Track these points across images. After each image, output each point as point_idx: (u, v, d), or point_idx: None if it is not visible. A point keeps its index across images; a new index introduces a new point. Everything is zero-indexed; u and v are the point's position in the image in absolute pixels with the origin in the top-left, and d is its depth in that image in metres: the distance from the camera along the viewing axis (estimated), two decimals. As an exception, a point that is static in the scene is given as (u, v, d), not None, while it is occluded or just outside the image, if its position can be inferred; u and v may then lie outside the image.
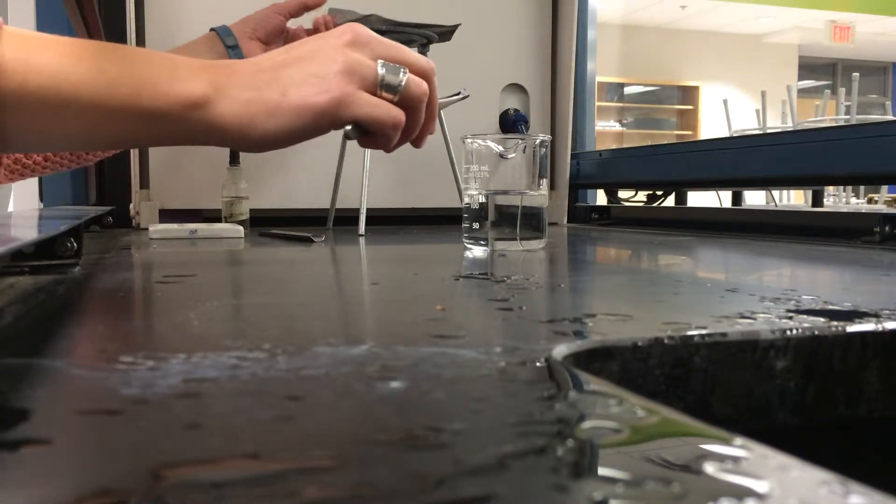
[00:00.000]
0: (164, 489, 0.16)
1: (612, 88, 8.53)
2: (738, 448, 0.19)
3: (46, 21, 1.82)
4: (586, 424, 0.21)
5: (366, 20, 1.23)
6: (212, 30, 0.95)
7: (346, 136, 0.50)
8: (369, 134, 0.50)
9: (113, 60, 0.41)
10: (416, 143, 0.55)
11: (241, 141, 0.45)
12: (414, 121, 0.52)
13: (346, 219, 1.39)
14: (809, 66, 8.90)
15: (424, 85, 0.51)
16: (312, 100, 0.45)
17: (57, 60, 0.39)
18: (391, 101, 0.49)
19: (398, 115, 0.49)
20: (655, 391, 0.31)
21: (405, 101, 0.50)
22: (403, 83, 0.49)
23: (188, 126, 0.43)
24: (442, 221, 1.56)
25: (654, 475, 0.17)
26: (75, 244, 0.62)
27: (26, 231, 0.73)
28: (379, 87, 0.48)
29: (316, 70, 0.46)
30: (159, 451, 0.19)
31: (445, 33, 1.37)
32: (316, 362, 0.28)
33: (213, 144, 0.46)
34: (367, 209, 1.29)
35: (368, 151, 1.27)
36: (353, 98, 0.46)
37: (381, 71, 0.48)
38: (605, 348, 0.31)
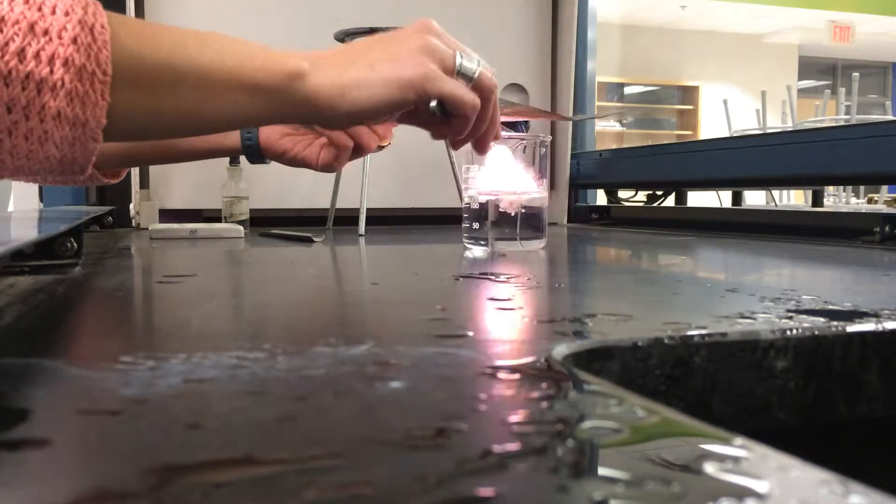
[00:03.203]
0: (164, 489, 0.16)
1: (612, 88, 8.52)
2: (738, 448, 0.19)
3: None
4: (586, 424, 0.21)
5: None
6: None
7: (432, 112, 0.52)
8: (448, 116, 0.52)
9: (215, 41, 0.44)
10: (481, 148, 0.57)
11: (332, 112, 0.46)
12: (482, 115, 0.54)
13: (346, 219, 1.39)
14: (809, 66, 8.89)
15: (494, 80, 0.54)
16: (399, 73, 0.48)
17: (169, 39, 0.41)
18: (468, 86, 0.52)
19: (476, 98, 0.52)
20: (655, 391, 0.31)
21: (478, 89, 0.52)
22: (478, 71, 0.52)
23: (287, 97, 0.45)
24: (442, 221, 1.56)
25: (654, 475, 0.17)
26: (75, 244, 0.62)
27: (26, 231, 0.73)
28: (456, 72, 0.51)
29: (401, 49, 0.49)
30: (159, 451, 0.19)
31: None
32: (316, 362, 0.28)
33: (305, 121, 0.47)
34: (367, 209, 1.29)
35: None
36: (436, 74, 0.49)
37: (458, 57, 0.51)
38: (605, 348, 0.31)
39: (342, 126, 0.49)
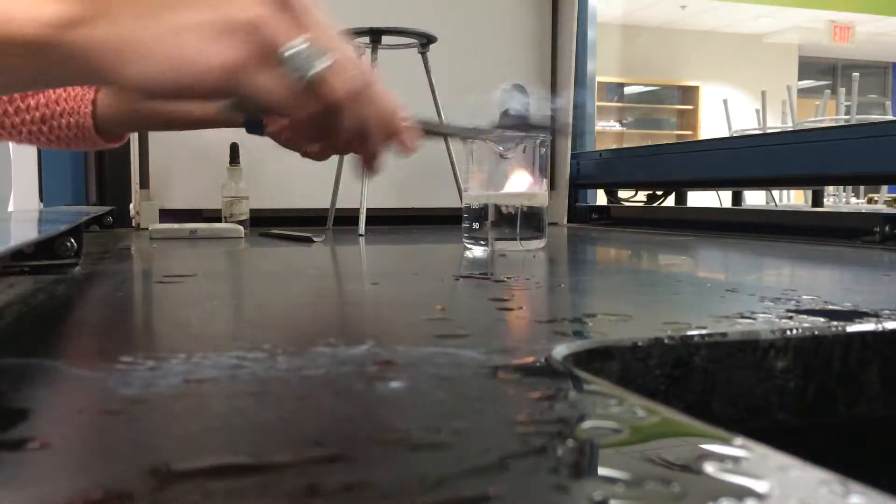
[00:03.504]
0: (164, 489, 0.16)
1: (612, 88, 8.53)
2: (738, 448, 0.19)
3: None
4: (586, 424, 0.21)
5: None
6: None
7: (228, 109, 0.42)
8: (260, 121, 0.41)
9: None
10: (366, 167, 0.46)
11: (115, 79, 0.37)
12: (334, 130, 0.42)
13: (346, 219, 1.39)
14: (809, 66, 8.90)
15: (343, 90, 0.41)
16: (199, 57, 0.37)
17: None
18: (297, 89, 0.39)
19: (301, 107, 0.40)
20: (655, 391, 0.31)
21: (319, 96, 0.40)
22: (317, 70, 0.39)
23: (51, 53, 0.35)
24: (442, 221, 1.56)
25: (654, 475, 0.17)
26: (75, 244, 0.62)
27: (26, 231, 0.73)
28: (282, 64, 0.38)
29: (219, 18, 0.37)
30: (159, 451, 0.19)
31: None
32: (316, 362, 0.28)
33: (89, 82, 0.37)
34: (367, 209, 1.29)
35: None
36: (248, 70, 0.38)
37: (291, 45, 0.38)
38: (605, 348, 0.31)
39: (143, 97, 0.38)
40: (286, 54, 0.38)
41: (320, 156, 0.50)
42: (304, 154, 0.54)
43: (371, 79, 0.43)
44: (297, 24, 0.39)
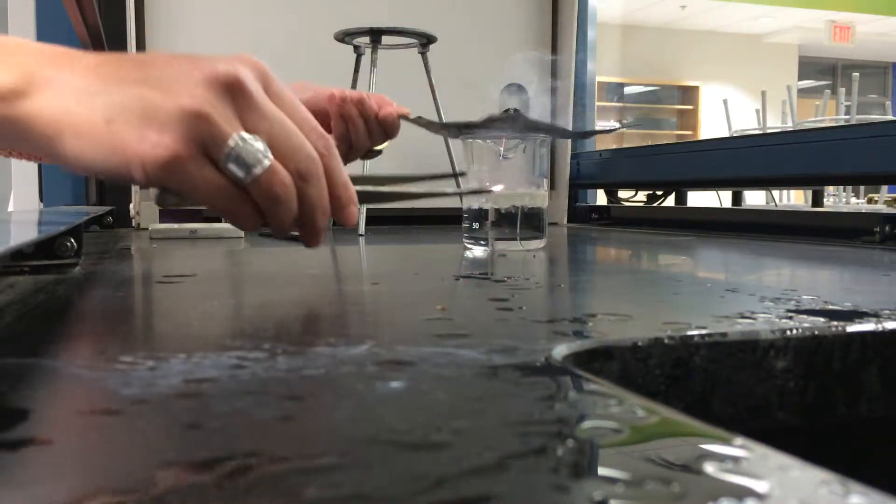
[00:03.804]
0: (164, 489, 0.16)
1: (612, 88, 8.53)
2: (738, 448, 0.19)
3: (46, 21, 1.82)
4: (586, 424, 0.21)
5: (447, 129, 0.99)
6: None
7: (157, 202, 0.42)
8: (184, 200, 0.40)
9: None
10: (308, 242, 0.45)
11: (49, 151, 0.36)
12: (276, 216, 0.41)
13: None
14: (809, 66, 8.90)
15: (288, 188, 0.40)
16: (133, 145, 0.35)
17: None
18: (238, 183, 0.39)
19: (234, 205, 0.39)
20: (655, 391, 0.31)
21: (255, 194, 0.39)
22: (256, 173, 0.38)
23: None
24: (442, 221, 1.56)
25: (654, 475, 0.17)
26: (75, 244, 0.62)
27: (26, 231, 0.73)
28: (224, 160, 0.37)
29: (159, 105, 0.36)
30: (159, 451, 0.19)
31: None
32: (316, 362, 0.28)
33: (21, 149, 0.37)
34: (367, 209, 1.29)
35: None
36: (181, 163, 0.36)
37: (233, 142, 0.37)
38: (605, 348, 0.31)
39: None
40: (224, 153, 0.37)
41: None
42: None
43: (325, 160, 0.42)
44: (244, 113, 0.38)
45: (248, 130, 0.38)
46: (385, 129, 0.95)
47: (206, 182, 0.38)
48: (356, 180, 0.46)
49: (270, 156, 0.39)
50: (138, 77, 0.37)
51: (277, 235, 0.44)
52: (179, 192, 0.39)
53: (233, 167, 0.38)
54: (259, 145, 0.38)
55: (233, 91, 0.38)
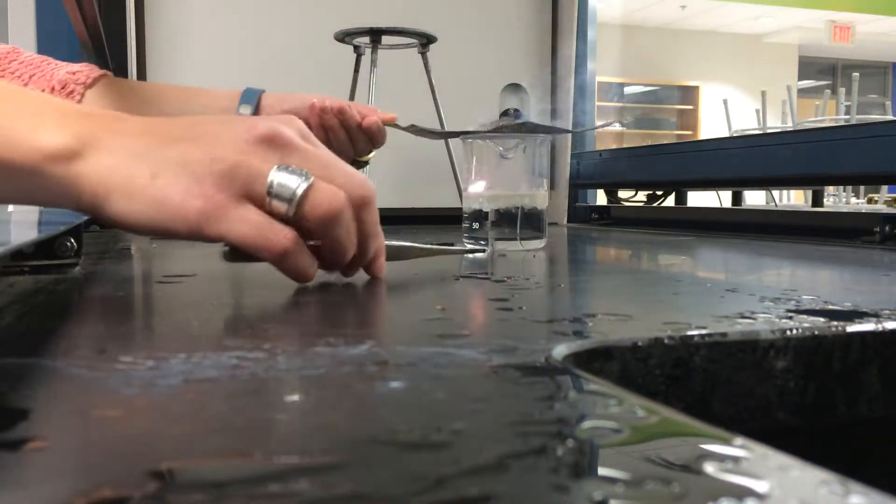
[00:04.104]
0: (164, 489, 0.16)
1: (612, 88, 8.53)
2: (738, 448, 0.19)
3: (46, 21, 1.82)
4: (586, 424, 0.21)
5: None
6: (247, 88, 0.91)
7: (224, 258, 0.43)
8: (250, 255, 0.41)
9: None
10: (368, 270, 0.48)
11: (97, 213, 0.37)
12: (332, 246, 0.43)
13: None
14: (809, 66, 8.90)
15: (339, 198, 0.40)
16: (177, 200, 0.37)
17: None
18: (284, 216, 0.39)
19: (277, 240, 0.39)
20: (655, 391, 0.31)
21: (306, 218, 0.40)
22: (300, 193, 0.39)
23: (43, 182, 0.36)
24: (442, 221, 1.56)
25: (654, 475, 0.17)
26: (75, 244, 0.62)
27: (26, 231, 0.73)
28: (268, 195, 0.39)
29: (199, 159, 0.37)
30: (159, 451, 0.19)
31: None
32: (315, 362, 0.28)
33: (70, 208, 0.38)
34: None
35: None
36: (222, 211, 0.37)
37: (272, 176, 0.38)
38: (605, 348, 0.31)
39: (113, 227, 0.39)
40: (265, 188, 0.38)
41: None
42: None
43: (368, 197, 0.44)
44: (286, 158, 0.39)
45: None
46: (370, 137, 0.95)
47: (252, 224, 0.38)
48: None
49: (312, 176, 0.39)
50: (183, 135, 0.38)
51: (330, 269, 0.46)
52: (223, 241, 0.39)
53: (276, 202, 0.39)
54: (298, 171, 0.39)
55: (273, 142, 0.39)
